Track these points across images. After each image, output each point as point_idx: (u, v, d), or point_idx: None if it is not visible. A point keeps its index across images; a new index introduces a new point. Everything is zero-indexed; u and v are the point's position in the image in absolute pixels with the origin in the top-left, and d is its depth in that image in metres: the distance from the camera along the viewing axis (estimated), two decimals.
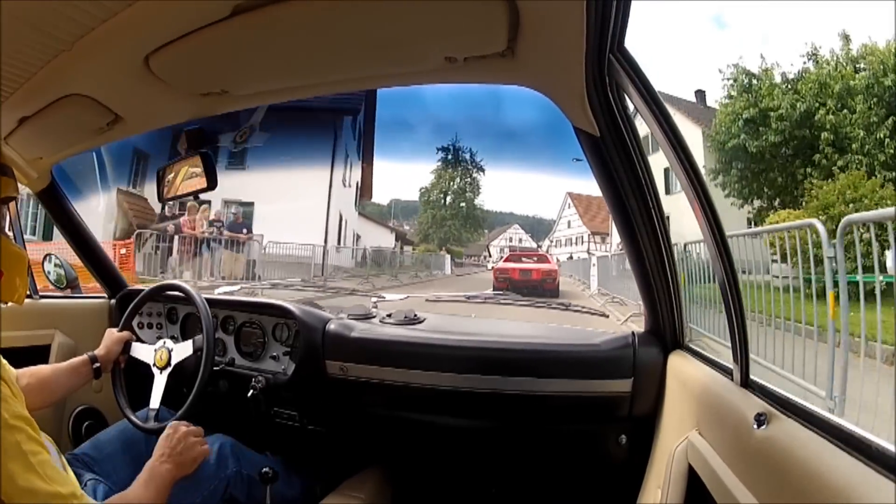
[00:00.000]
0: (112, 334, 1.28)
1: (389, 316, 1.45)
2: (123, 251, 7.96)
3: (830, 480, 0.51)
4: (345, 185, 13.63)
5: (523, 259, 13.08)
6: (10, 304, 0.86)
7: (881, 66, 9.26)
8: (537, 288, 10.08)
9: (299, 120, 10.66)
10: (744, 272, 3.64)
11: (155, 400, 1.22)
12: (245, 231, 9.45)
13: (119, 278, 1.69)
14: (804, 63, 10.43)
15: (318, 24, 0.71)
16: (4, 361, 0.91)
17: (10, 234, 0.88)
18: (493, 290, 11.22)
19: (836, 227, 2.62)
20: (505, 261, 13.09)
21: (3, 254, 0.83)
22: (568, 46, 0.70)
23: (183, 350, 1.26)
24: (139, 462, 1.04)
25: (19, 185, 0.92)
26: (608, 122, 0.85)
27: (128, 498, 0.90)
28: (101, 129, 1.06)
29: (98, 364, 1.21)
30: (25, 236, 2.04)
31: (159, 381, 1.24)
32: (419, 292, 1.62)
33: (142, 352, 1.29)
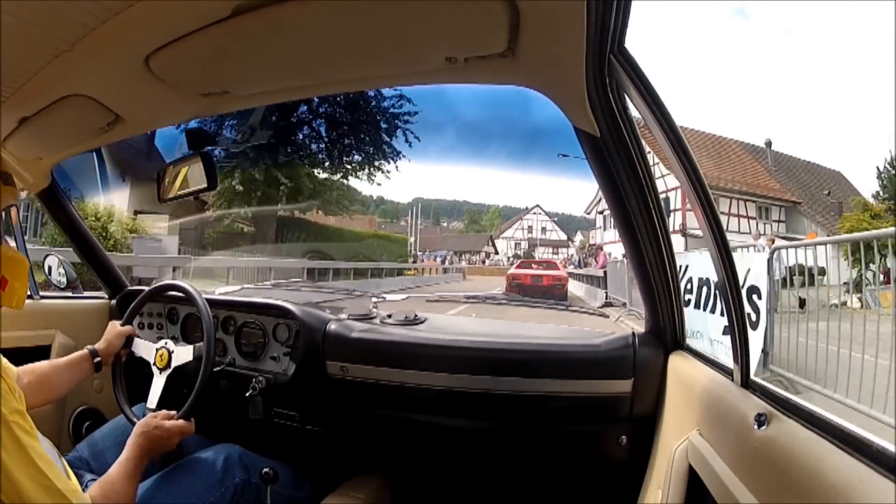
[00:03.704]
0: (115, 328, 1.28)
1: (390, 316, 1.45)
2: None
3: (831, 481, 0.51)
4: None
5: (534, 266, 15.14)
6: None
7: None
8: (547, 293, 11.55)
9: None
10: None
11: (152, 400, 1.21)
12: None
13: (119, 278, 1.69)
14: None
15: (318, 24, 0.71)
16: (5, 360, 0.92)
17: (11, 239, 0.88)
18: (505, 293, 12.08)
19: None
20: (517, 267, 14.82)
21: (4, 261, 0.84)
22: (568, 47, 0.70)
23: (184, 354, 1.25)
24: None
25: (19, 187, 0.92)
26: (608, 122, 0.85)
27: (109, 477, 0.92)
28: (101, 129, 1.06)
29: (99, 358, 1.20)
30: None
31: (158, 382, 1.23)
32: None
33: (143, 349, 1.28)
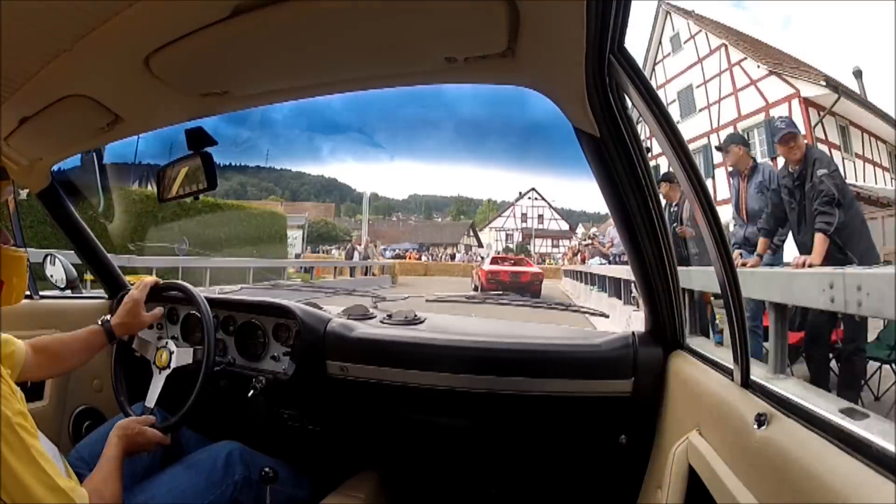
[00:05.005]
0: (136, 307, 1.24)
1: (390, 316, 1.45)
2: None
3: (830, 481, 0.51)
4: None
5: (505, 262, 15.33)
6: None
7: None
8: (524, 289, 11.58)
9: None
10: None
11: (151, 399, 1.22)
12: None
13: (120, 278, 1.69)
14: None
15: (318, 24, 0.71)
16: (10, 338, 0.93)
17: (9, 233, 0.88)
18: (481, 288, 12.24)
19: None
20: (492, 263, 14.84)
21: (4, 261, 0.84)
22: (568, 47, 0.70)
23: (184, 356, 1.25)
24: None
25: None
26: (608, 122, 0.85)
27: (100, 475, 0.93)
28: (101, 129, 1.06)
29: (112, 331, 1.20)
30: None
31: (157, 381, 1.23)
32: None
33: (143, 347, 1.29)
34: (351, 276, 14.35)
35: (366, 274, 15.03)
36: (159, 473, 1.09)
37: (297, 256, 16.95)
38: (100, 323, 1.20)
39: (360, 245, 16.50)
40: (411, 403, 1.28)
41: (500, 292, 1.76)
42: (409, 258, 23.62)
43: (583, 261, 12.66)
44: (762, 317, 2.87)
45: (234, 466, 1.14)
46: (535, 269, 14.80)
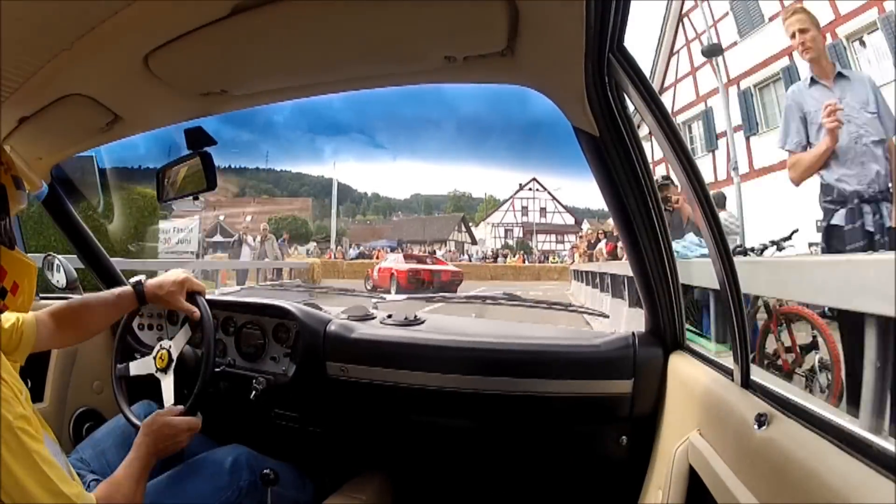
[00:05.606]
0: (181, 287, 1.17)
1: (390, 317, 1.45)
2: None
3: (831, 481, 0.51)
4: None
5: (412, 260, 15.40)
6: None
7: None
8: (445, 287, 12.08)
9: None
10: None
11: (167, 403, 1.18)
12: None
13: (120, 279, 1.69)
14: None
15: (317, 23, 0.71)
16: (21, 315, 0.95)
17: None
18: (398, 288, 12.05)
19: None
20: (406, 261, 14.80)
21: (18, 265, 0.84)
22: (567, 46, 0.70)
23: (180, 339, 1.21)
24: None
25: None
26: (608, 122, 0.85)
27: (115, 478, 0.91)
28: (100, 129, 1.06)
29: (143, 294, 1.15)
30: None
31: (166, 383, 1.19)
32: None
33: (141, 367, 1.24)
34: (238, 282, 9.34)
35: (276, 277, 10.91)
36: (164, 476, 1.07)
37: (198, 256, 11.88)
38: (131, 284, 1.16)
39: (251, 237, 11.60)
40: (411, 404, 1.28)
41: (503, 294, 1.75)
42: (378, 257, 20.31)
43: (610, 253, 8.73)
44: None
45: (241, 471, 1.12)
46: (452, 267, 15.57)
